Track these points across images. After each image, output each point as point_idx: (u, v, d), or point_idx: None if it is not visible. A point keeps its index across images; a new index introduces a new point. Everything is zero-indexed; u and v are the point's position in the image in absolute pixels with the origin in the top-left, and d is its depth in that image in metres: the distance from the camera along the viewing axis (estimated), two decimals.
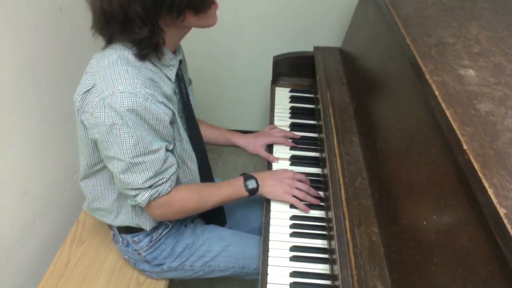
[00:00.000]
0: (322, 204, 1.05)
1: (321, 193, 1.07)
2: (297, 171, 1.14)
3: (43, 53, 1.17)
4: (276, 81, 1.48)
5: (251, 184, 1.01)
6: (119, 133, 0.78)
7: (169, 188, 0.89)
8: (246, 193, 1.01)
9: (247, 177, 1.02)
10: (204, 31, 1.63)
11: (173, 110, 0.84)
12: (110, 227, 1.08)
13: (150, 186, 0.86)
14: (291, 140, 1.24)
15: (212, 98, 1.94)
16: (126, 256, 1.11)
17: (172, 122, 0.86)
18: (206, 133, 1.22)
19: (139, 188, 0.85)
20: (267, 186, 1.02)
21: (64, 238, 1.24)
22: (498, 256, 0.50)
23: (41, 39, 1.15)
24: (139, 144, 0.80)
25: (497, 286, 0.50)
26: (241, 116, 2.02)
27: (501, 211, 0.49)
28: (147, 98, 0.77)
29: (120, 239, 1.06)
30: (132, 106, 0.76)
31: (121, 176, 0.83)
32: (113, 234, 1.08)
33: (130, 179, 0.83)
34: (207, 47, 1.71)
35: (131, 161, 0.81)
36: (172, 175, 0.89)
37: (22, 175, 1.16)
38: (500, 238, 0.49)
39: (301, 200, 1.03)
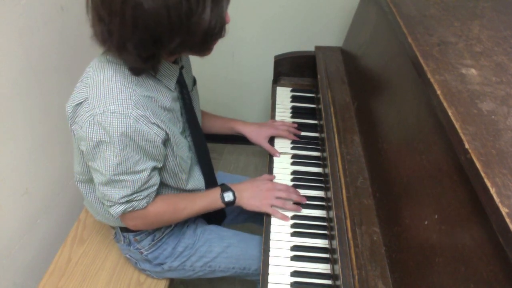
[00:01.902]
0: (301, 210, 1.04)
1: (312, 192, 1.07)
2: (298, 170, 1.15)
3: (44, 52, 1.17)
4: (277, 80, 1.48)
5: (228, 196, 1.00)
6: (105, 150, 0.77)
7: (145, 204, 0.89)
8: (222, 205, 1.00)
9: (224, 189, 1.01)
10: None
11: (165, 130, 0.83)
12: (112, 226, 1.08)
13: (126, 201, 0.86)
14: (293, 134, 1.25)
15: (213, 98, 1.93)
16: (127, 255, 1.11)
17: (165, 142, 0.86)
18: (210, 122, 1.22)
19: (114, 201, 0.85)
20: (244, 198, 1.01)
21: (65, 237, 1.24)
22: (500, 255, 0.50)
23: (43, 38, 1.15)
24: (123, 164, 0.79)
25: (499, 286, 0.49)
26: (242, 116, 2.02)
27: (503, 210, 0.49)
28: (138, 120, 0.76)
29: (122, 237, 1.06)
30: (122, 128, 0.75)
31: (100, 187, 0.84)
32: (115, 233, 1.08)
33: (108, 192, 0.83)
34: None
35: (111, 177, 0.81)
36: (151, 193, 0.88)
37: (23, 174, 1.16)
38: (503, 238, 0.49)
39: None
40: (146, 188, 0.86)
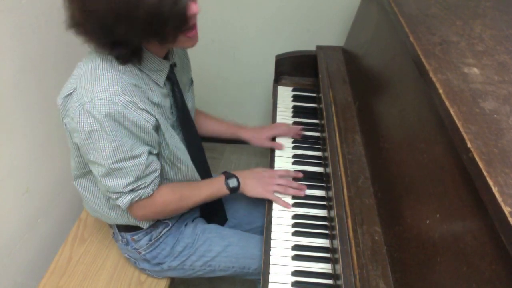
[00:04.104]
0: (304, 194, 1.07)
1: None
2: (299, 170, 1.14)
3: (45, 51, 1.17)
4: (278, 80, 1.48)
5: (232, 182, 1.02)
6: (98, 139, 0.77)
7: (151, 192, 0.89)
8: (227, 192, 1.02)
9: (228, 175, 1.03)
10: (206, 30, 1.63)
11: (155, 117, 0.83)
12: (110, 225, 1.08)
13: (132, 190, 0.85)
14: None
15: (214, 97, 1.93)
16: (126, 255, 1.11)
17: (157, 128, 0.85)
18: (214, 126, 1.23)
19: (120, 192, 0.85)
20: (247, 185, 1.03)
21: (66, 236, 1.24)
22: (502, 255, 0.50)
23: (44, 37, 1.15)
24: (119, 150, 0.79)
25: (502, 285, 0.49)
26: (243, 115, 2.02)
27: (506, 210, 0.49)
28: (126, 106, 0.76)
29: (120, 237, 1.06)
30: (110, 113, 0.74)
31: (102, 180, 0.83)
32: (113, 233, 1.08)
33: (111, 183, 0.83)
34: (209, 46, 1.71)
35: (111, 166, 0.80)
36: (155, 179, 0.88)
37: (24, 173, 1.16)
38: (505, 237, 0.48)
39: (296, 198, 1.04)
40: (149, 174, 0.86)
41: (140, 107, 0.79)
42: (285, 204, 1.04)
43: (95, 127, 0.76)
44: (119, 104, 0.75)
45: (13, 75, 1.06)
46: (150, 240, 1.05)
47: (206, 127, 1.21)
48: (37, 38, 1.13)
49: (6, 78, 1.04)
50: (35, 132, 1.18)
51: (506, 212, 0.48)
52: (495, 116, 0.65)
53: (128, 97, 0.76)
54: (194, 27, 0.78)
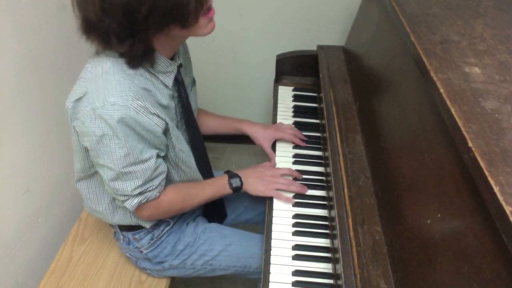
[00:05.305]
0: (307, 193, 1.07)
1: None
2: (300, 169, 1.14)
3: (46, 51, 1.17)
4: (279, 79, 1.48)
5: (235, 182, 1.03)
6: (110, 143, 0.77)
7: (158, 194, 0.89)
8: (230, 191, 1.03)
9: (231, 175, 1.04)
10: None
11: (165, 120, 0.83)
12: (111, 225, 1.08)
13: (140, 193, 0.86)
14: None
15: (215, 97, 1.93)
16: (127, 254, 1.11)
17: (166, 131, 0.86)
18: (215, 123, 1.23)
19: (128, 195, 0.85)
20: (249, 183, 1.04)
21: (66, 236, 1.24)
22: (503, 254, 0.50)
23: (45, 36, 1.15)
24: (130, 155, 0.79)
25: (503, 285, 0.49)
26: (244, 115, 2.00)
27: (507, 209, 0.48)
28: (139, 111, 0.76)
29: (122, 236, 1.06)
30: (123, 118, 0.75)
31: (110, 183, 0.83)
32: (115, 232, 1.08)
33: (119, 186, 0.83)
34: (210, 45, 1.71)
35: (121, 170, 0.80)
36: (162, 181, 0.89)
37: (24, 173, 1.16)
38: (506, 236, 0.48)
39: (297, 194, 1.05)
40: (157, 176, 0.87)
41: (152, 111, 0.79)
42: (288, 199, 1.04)
43: (107, 132, 0.76)
44: (132, 109, 0.75)
45: (13, 75, 1.06)
46: (152, 239, 1.05)
47: (208, 124, 1.21)
48: (37, 38, 1.13)
49: (6, 78, 1.04)
50: (35, 132, 1.18)
51: (508, 212, 0.48)
52: (496, 115, 0.65)
53: (140, 102, 0.76)
54: (211, 7, 0.78)
